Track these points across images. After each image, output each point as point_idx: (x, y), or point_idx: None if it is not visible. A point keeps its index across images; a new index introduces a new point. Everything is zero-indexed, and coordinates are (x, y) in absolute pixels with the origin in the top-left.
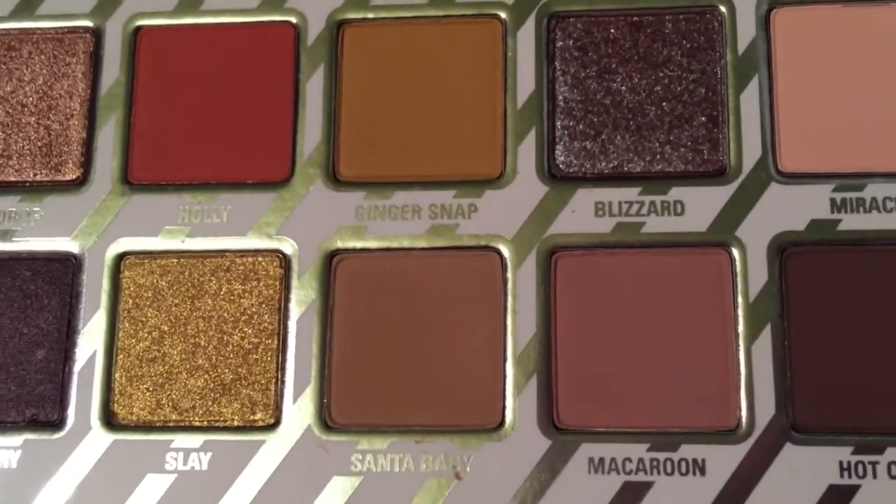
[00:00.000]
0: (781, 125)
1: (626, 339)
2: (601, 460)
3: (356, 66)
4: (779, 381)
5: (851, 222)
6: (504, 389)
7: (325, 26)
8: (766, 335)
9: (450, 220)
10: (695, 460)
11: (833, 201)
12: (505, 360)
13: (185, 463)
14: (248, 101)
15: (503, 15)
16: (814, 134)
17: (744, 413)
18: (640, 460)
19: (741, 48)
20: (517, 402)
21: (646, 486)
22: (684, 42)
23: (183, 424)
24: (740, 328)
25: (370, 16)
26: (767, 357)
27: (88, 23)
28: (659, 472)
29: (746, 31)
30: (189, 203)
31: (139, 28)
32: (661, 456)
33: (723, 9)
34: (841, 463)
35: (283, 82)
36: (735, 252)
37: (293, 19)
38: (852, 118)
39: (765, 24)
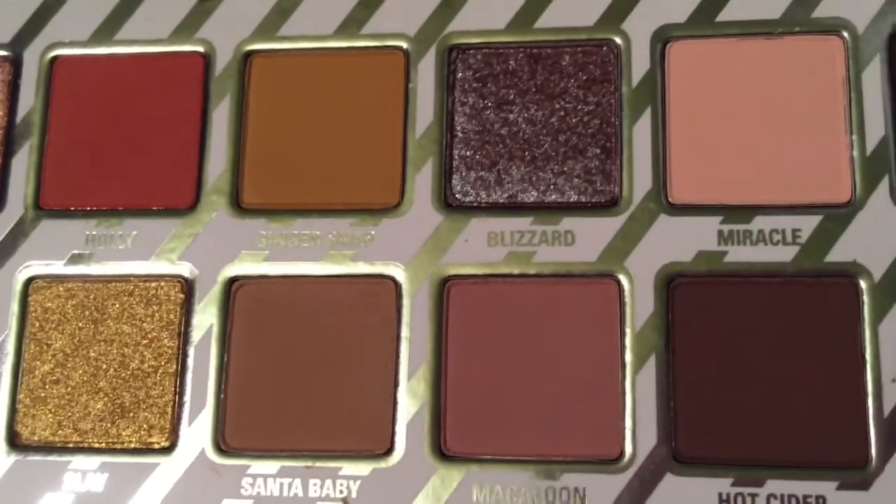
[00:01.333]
0: (673, 157)
1: (516, 367)
2: (486, 488)
3: (263, 95)
4: (662, 411)
5: (738, 254)
6: (394, 416)
7: (233, 56)
8: (651, 365)
9: (347, 248)
10: (576, 489)
11: (721, 233)
12: (396, 386)
13: (82, 483)
14: (157, 128)
15: (406, 46)
16: (704, 166)
17: (627, 443)
18: (523, 489)
19: (635, 80)
20: (406, 428)
21: None
22: (581, 74)
23: (82, 446)
24: (627, 358)
25: (277, 47)
26: (651, 387)
27: (8, 52)
28: (540, 501)
29: (641, 63)
30: (95, 228)
31: (55, 57)
32: (543, 484)
33: (619, 41)
34: (720, 494)
35: (191, 111)
36: (623, 282)
37: (202, 49)
38: (742, 151)
39: (660, 57)
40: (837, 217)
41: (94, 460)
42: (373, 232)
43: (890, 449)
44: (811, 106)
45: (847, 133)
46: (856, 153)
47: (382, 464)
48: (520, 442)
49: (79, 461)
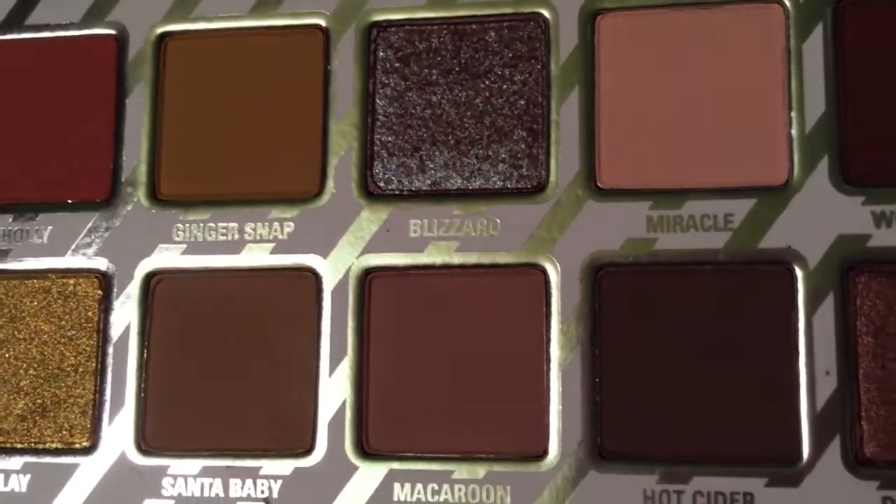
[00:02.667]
0: (602, 139)
1: (439, 362)
2: (407, 486)
3: (178, 80)
4: (587, 406)
5: (668, 241)
6: (315, 413)
7: (146, 39)
8: (577, 358)
9: (265, 240)
10: (499, 486)
11: (650, 219)
12: (317, 383)
13: (5, 485)
14: (71, 118)
15: (324, 24)
16: (635, 148)
17: (551, 439)
18: (445, 486)
19: (563, 57)
20: (328, 426)
21: None
22: (506, 51)
23: (5, 446)
24: (552, 351)
25: (192, 28)
26: (577, 381)
27: None
28: (464, 499)
29: (570, 39)
30: (12, 223)
31: None
32: (466, 481)
33: (546, 15)
34: (645, 492)
35: (105, 98)
36: (550, 272)
37: (114, 32)
38: (674, 131)
39: (589, 31)
40: (772, 200)
41: (17, 461)
42: (292, 223)
43: (822, 444)
44: (748, 81)
45: (785, 109)
46: (794, 131)
47: (303, 462)
48: (442, 438)
49: (2, 462)
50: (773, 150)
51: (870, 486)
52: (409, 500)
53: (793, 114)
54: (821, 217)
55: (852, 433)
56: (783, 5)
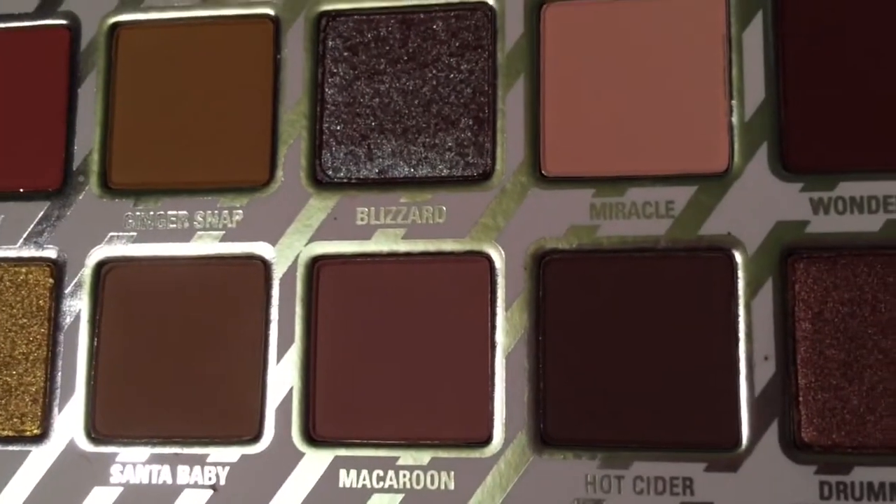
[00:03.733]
0: (547, 127)
1: (386, 349)
2: (353, 472)
3: (130, 69)
4: (531, 392)
5: (610, 228)
6: (263, 400)
7: (98, 29)
8: (521, 345)
9: (215, 228)
10: (444, 472)
11: (593, 206)
12: (265, 370)
13: None
14: (23, 107)
15: (274, 14)
16: (579, 135)
17: (495, 425)
18: (391, 472)
19: (509, 46)
20: (275, 413)
21: (395, 497)
22: (454, 40)
23: None
24: (497, 338)
25: (143, 18)
26: (522, 367)
27: None
28: (408, 485)
29: (516, 28)
30: None
31: None
32: (411, 467)
33: (493, 4)
34: (587, 476)
35: (57, 88)
36: (495, 259)
37: (67, 22)
38: (618, 119)
39: (535, 20)
40: (712, 188)
41: None
42: (241, 211)
43: (760, 429)
44: (690, 69)
45: (726, 97)
46: (735, 119)
47: (251, 449)
48: (388, 425)
49: None
50: (714, 137)
51: (807, 470)
52: (354, 486)
53: (733, 102)
54: (760, 204)
55: (790, 418)
56: None
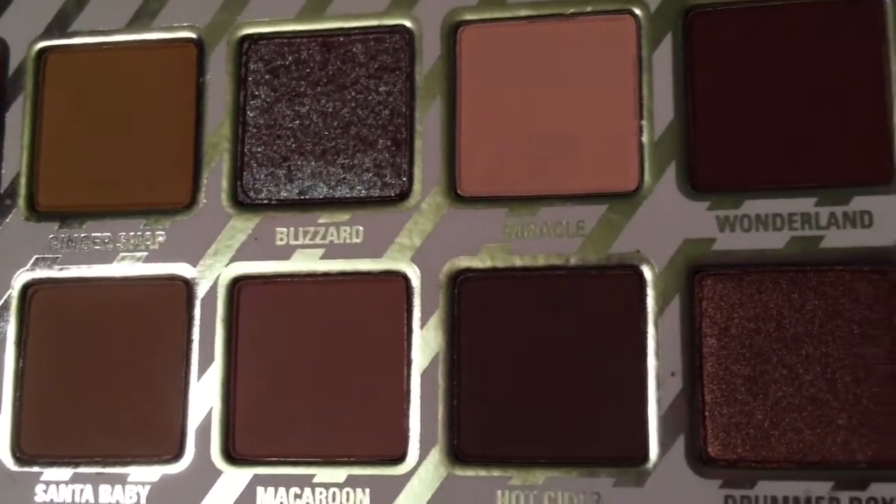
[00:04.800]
0: (463, 147)
1: (304, 368)
2: (270, 490)
3: (58, 93)
4: (446, 410)
5: (523, 247)
6: (184, 420)
7: (27, 54)
8: (436, 363)
9: (138, 250)
10: (359, 489)
11: (506, 226)
12: (186, 390)
13: None
14: None
15: (197, 38)
16: (494, 156)
17: (411, 442)
18: (306, 489)
19: (427, 68)
20: (195, 432)
21: None
22: (372, 63)
23: None
24: (413, 356)
25: (70, 42)
26: (436, 385)
27: None
28: (324, 502)
29: (433, 50)
30: None
31: None
32: (327, 484)
33: (410, 26)
34: (499, 493)
35: None
36: (411, 278)
37: None
38: (531, 139)
39: (451, 42)
40: (622, 206)
41: None
42: (164, 233)
43: (667, 444)
44: (602, 90)
45: (636, 118)
46: (644, 139)
47: (171, 468)
48: (306, 443)
49: None
50: (625, 157)
51: (712, 484)
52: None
53: (643, 122)
54: (668, 222)
55: (696, 433)
56: (635, 16)
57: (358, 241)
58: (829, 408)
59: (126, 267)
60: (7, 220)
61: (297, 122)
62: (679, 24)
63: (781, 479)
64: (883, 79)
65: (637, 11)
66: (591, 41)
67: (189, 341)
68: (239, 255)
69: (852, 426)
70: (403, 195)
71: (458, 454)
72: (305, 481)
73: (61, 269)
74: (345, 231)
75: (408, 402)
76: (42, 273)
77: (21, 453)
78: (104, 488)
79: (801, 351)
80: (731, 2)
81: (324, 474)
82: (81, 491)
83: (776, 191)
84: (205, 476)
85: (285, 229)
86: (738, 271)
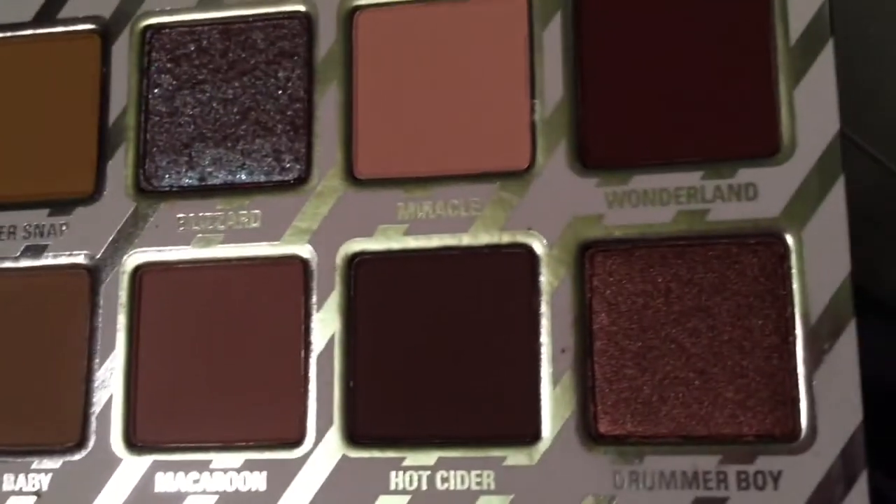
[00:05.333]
0: (360, 130)
1: (204, 354)
2: (168, 475)
3: None
4: (342, 391)
5: (417, 228)
6: (86, 407)
7: None
8: (332, 345)
9: (42, 240)
10: (256, 472)
11: (401, 207)
12: (88, 377)
13: None
14: None
15: (101, 29)
16: (391, 138)
17: (308, 424)
18: (205, 475)
19: (323, 53)
20: (96, 420)
21: (209, 499)
22: (271, 49)
23: None
24: (311, 339)
25: None
26: (332, 368)
27: None
28: (221, 487)
29: (329, 34)
30: None
31: None
32: (224, 469)
33: (308, 12)
34: (394, 473)
35: None
36: (309, 262)
37: None
38: (427, 121)
39: (348, 26)
40: (514, 185)
41: None
42: (67, 222)
43: (558, 421)
44: (495, 70)
45: (528, 97)
46: (536, 117)
47: (72, 456)
48: (205, 428)
49: None
50: (517, 136)
51: (602, 460)
52: (169, 490)
53: (535, 101)
54: (559, 199)
55: (586, 409)
56: None
57: (256, 225)
58: (716, 381)
59: (29, 256)
60: None
61: (199, 109)
62: (569, 3)
63: (669, 454)
64: (768, 52)
65: None
66: (484, 23)
67: (92, 329)
68: (141, 243)
69: (739, 399)
70: (302, 179)
71: (353, 436)
72: (203, 466)
73: None
74: (243, 216)
75: (305, 385)
76: None
77: None
78: (7, 477)
79: (689, 324)
80: None
81: (221, 459)
82: None
83: (663, 166)
84: (105, 463)
85: (185, 216)
86: (627, 247)
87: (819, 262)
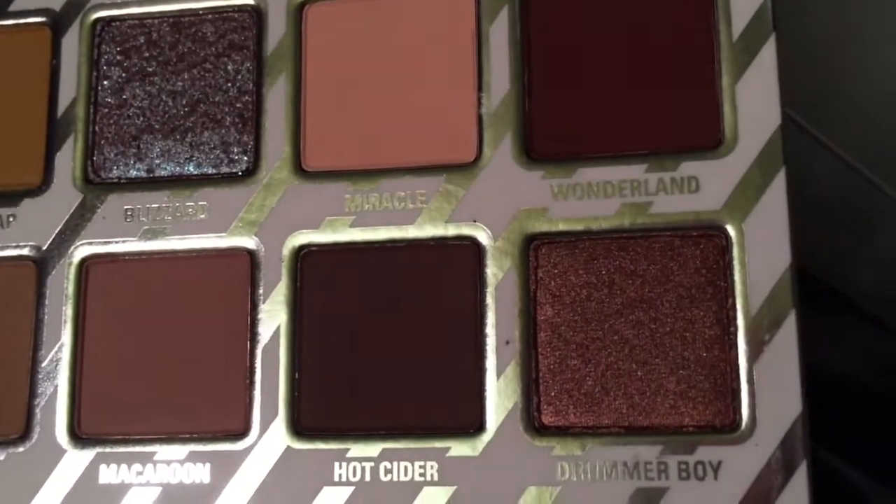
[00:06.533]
0: (308, 123)
1: (151, 345)
2: (112, 467)
3: None
4: (287, 383)
5: (364, 220)
6: (31, 400)
7: None
8: (278, 337)
9: None
10: (200, 464)
11: (348, 199)
12: (33, 369)
13: None
14: None
15: (51, 21)
16: (339, 131)
17: (253, 416)
18: (149, 466)
19: (272, 46)
20: (40, 412)
21: (153, 491)
22: (221, 42)
23: None
24: (257, 331)
25: None
26: (278, 359)
27: None
28: (165, 479)
29: (278, 27)
30: None
31: None
32: (168, 461)
33: (255, 4)
34: (337, 464)
35: None
36: (255, 253)
37: None
38: (375, 113)
39: (298, 19)
40: (461, 177)
41: None
42: (14, 213)
43: (501, 413)
44: (443, 64)
45: (476, 90)
46: (483, 110)
47: (17, 448)
48: (150, 420)
49: None
50: (465, 128)
51: (546, 450)
52: (113, 481)
53: (482, 94)
54: (504, 192)
55: (530, 400)
56: None
57: (204, 217)
58: (658, 372)
59: None
60: None
61: (148, 101)
62: None
63: (611, 445)
64: (711, 48)
65: None
66: (433, 16)
67: (37, 321)
68: (88, 234)
69: (680, 390)
70: (250, 172)
71: (298, 428)
72: (147, 458)
73: None
74: (191, 208)
75: (250, 377)
76: None
77: None
78: None
79: (632, 316)
80: None
81: (165, 451)
82: None
83: (608, 159)
84: (49, 455)
85: (132, 207)
86: (572, 239)
87: (760, 254)
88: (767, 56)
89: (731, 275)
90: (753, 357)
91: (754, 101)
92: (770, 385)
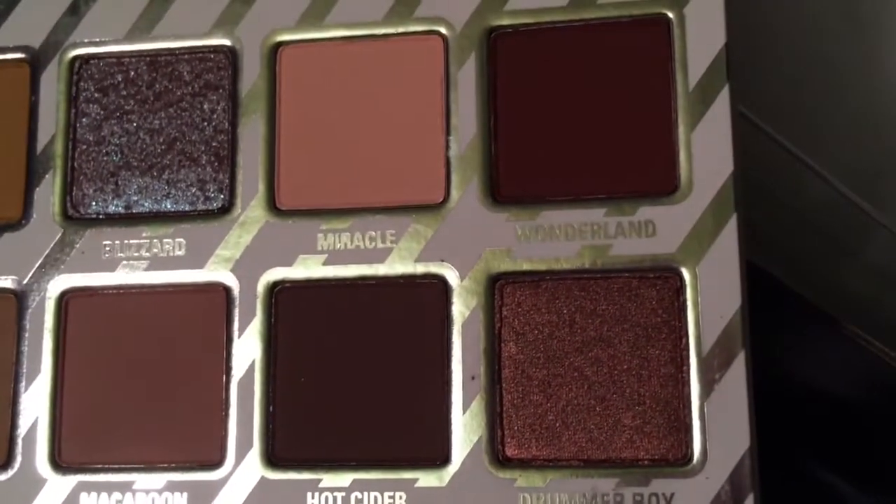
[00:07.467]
0: (282, 162)
1: (128, 377)
2: (93, 495)
3: None
4: (262, 415)
5: (336, 258)
6: (12, 430)
7: None
8: (253, 371)
9: None
10: (178, 493)
11: (321, 237)
12: (14, 400)
13: None
14: None
15: (29, 58)
16: (312, 170)
17: (228, 447)
18: (128, 495)
19: (248, 86)
20: (22, 441)
21: None
22: (197, 81)
23: None
24: (232, 364)
25: None
26: (253, 392)
27: None
28: None
29: (253, 68)
30: None
31: None
32: (147, 490)
33: (231, 45)
34: (310, 494)
35: None
36: (231, 290)
37: None
38: (347, 154)
39: (272, 61)
40: (429, 218)
41: None
42: None
43: (466, 445)
44: (413, 107)
45: (444, 133)
46: (451, 153)
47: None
48: (128, 450)
49: None
50: (433, 171)
51: (509, 483)
52: None
53: (450, 137)
54: (471, 233)
55: (494, 434)
56: (443, 37)
57: (181, 253)
58: (615, 408)
59: None
60: None
61: (125, 138)
62: (483, 44)
63: (571, 477)
64: (668, 96)
65: (444, 32)
66: (403, 60)
67: (18, 353)
68: (67, 269)
69: (636, 425)
70: (225, 209)
71: (272, 458)
72: (126, 487)
73: None
74: (168, 244)
75: (226, 409)
76: None
77: None
78: None
79: (591, 354)
80: (529, 24)
81: (143, 480)
82: None
83: (570, 202)
84: (31, 483)
85: (111, 242)
86: (535, 279)
87: (712, 296)
88: (721, 106)
89: (685, 315)
90: (705, 394)
91: (709, 150)
92: (720, 421)
